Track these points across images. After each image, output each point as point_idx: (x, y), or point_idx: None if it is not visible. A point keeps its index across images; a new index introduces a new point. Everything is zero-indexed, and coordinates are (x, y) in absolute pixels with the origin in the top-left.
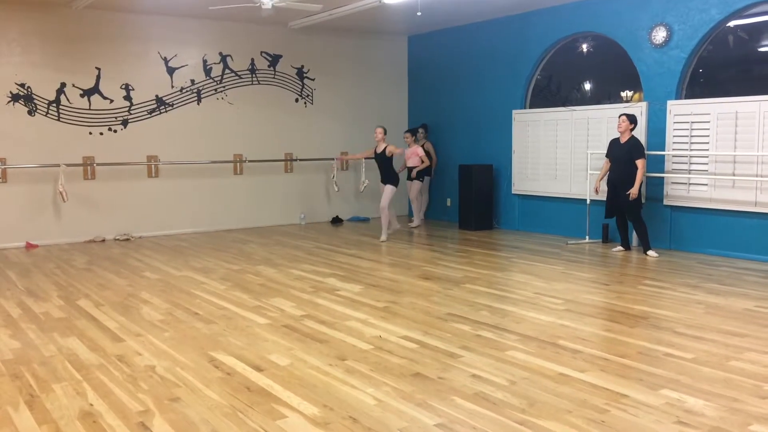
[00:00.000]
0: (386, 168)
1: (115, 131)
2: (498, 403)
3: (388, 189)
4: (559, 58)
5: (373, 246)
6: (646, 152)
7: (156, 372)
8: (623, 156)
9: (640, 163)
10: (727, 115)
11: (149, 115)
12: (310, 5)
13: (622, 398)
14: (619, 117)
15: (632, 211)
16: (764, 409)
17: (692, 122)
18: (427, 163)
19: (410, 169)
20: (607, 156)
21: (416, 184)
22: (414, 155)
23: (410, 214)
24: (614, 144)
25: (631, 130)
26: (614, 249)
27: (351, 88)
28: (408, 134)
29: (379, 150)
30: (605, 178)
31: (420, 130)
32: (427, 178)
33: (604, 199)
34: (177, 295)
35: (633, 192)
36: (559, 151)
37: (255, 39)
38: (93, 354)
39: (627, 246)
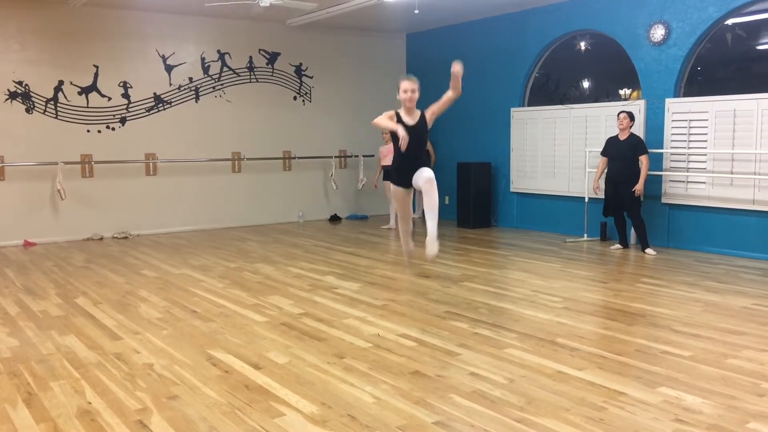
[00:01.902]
0: (423, 147)
1: (113, 129)
2: (496, 401)
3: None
4: (557, 56)
5: (371, 244)
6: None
7: (154, 370)
8: (625, 153)
9: (645, 159)
10: (725, 113)
11: (147, 113)
12: (305, 3)
13: (619, 396)
14: (620, 114)
15: (633, 209)
16: (762, 407)
17: (690, 120)
18: None
19: (387, 169)
20: (603, 154)
21: (390, 185)
22: (390, 153)
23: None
24: (613, 142)
25: (630, 127)
26: (612, 247)
27: (349, 86)
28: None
29: (413, 120)
30: (603, 176)
31: None
32: None
33: (602, 197)
34: (175, 292)
35: (638, 188)
36: (558, 148)
37: (253, 36)
38: (91, 352)
39: (625, 244)
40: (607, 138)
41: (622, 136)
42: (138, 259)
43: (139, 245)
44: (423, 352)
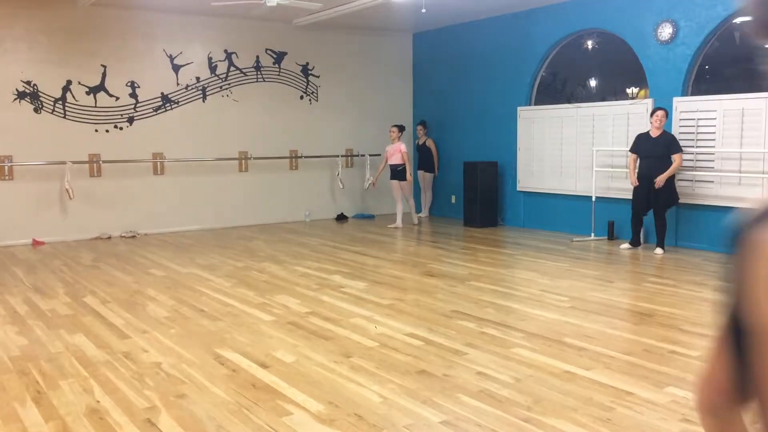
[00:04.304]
0: None
1: (121, 129)
2: (503, 401)
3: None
4: (564, 55)
5: (378, 243)
6: None
7: (162, 369)
8: (660, 151)
9: (679, 157)
10: (733, 112)
11: (155, 113)
12: (310, 3)
13: (627, 396)
14: (659, 112)
15: (665, 208)
16: None
17: (698, 119)
18: (406, 162)
19: (393, 168)
20: (633, 151)
21: (396, 184)
22: (397, 152)
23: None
24: (644, 139)
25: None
26: (621, 246)
27: (356, 86)
28: (395, 129)
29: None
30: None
31: (418, 127)
32: (429, 175)
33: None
34: (183, 292)
35: (659, 180)
36: (565, 148)
37: (260, 36)
38: (99, 351)
39: (637, 243)
40: (636, 134)
41: (655, 133)
42: (146, 258)
43: (147, 244)
44: (430, 352)
